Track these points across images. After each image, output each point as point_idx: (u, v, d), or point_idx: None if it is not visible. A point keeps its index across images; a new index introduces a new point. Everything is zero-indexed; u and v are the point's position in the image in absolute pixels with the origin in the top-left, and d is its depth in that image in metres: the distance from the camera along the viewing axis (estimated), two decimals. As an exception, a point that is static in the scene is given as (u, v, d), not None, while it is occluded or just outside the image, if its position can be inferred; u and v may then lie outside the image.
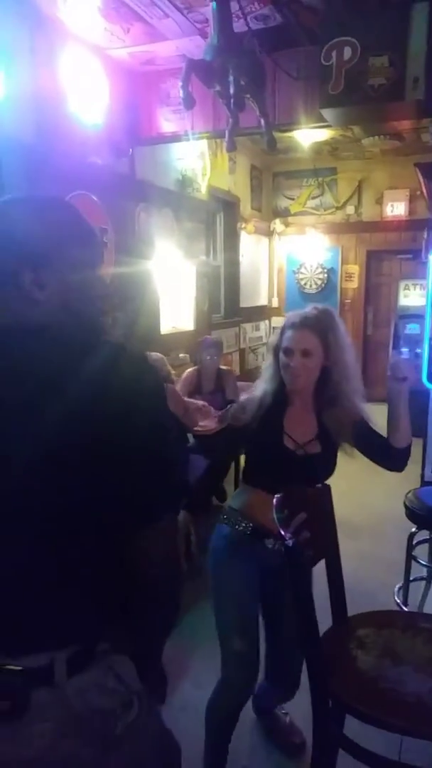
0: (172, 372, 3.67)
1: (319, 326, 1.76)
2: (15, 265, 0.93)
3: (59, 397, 0.85)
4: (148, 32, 3.73)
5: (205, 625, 1.91)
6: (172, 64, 4.08)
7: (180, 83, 2.92)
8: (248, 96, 3.20)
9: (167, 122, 4.43)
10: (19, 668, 0.87)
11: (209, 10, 2.91)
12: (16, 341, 0.91)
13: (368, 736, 1.44)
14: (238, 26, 3.31)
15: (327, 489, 1.67)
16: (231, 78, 2.86)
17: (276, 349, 1.80)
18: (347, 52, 3.37)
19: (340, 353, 1.77)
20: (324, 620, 1.66)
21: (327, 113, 3.62)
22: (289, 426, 1.77)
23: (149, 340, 4.56)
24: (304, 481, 1.71)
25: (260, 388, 1.83)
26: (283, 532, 1.39)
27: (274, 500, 1.48)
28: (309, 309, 1.82)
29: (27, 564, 0.87)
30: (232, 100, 2.91)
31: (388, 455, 1.76)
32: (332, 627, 1.63)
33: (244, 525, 1.74)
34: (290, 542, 1.34)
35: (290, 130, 4.80)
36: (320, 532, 1.59)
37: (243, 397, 1.93)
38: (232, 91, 2.87)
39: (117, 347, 0.96)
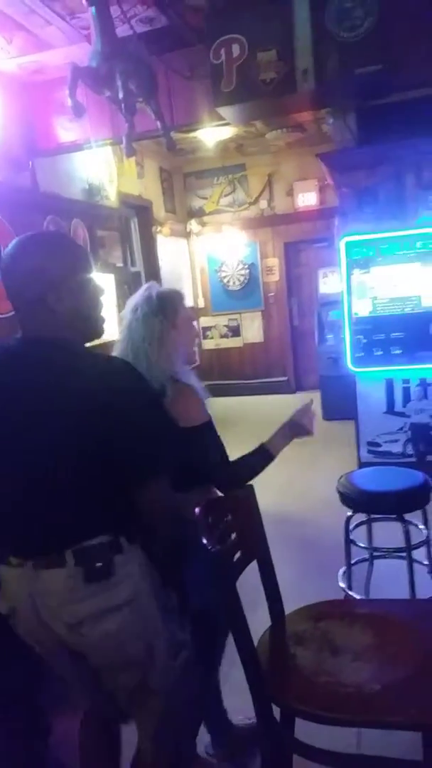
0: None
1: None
2: (42, 291, 1.30)
3: (75, 390, 1.27)
4: (32, 41, 3.63)
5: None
6: (63, 72, 3.97)
7: (67, 92, 2.85)
8: (140, 100, 3.16)
9: (66, 131, 4.34)
10: (105, 541, 1.30)
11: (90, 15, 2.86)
12: (44, 350, 1.32)
13: (325, 731, 1.43)
14: (124, 30, 3.27)
15: (250, 490, 1.66)
16: (119, 83, 2.82)
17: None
18: (236, 49, 3.38)
19: None
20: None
21: (224, 111, 3.62)
22: None
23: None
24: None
25: None
26: (205, 541, 1.36)
27: (197, 510, 1.45)
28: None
29: (85, 488, 1.30)
30: (122, 105, 2.87)
31: None
32: (271, 626, 1.62)
33: None
34: (214, 550, 1.31)
35: (191, 131, 4.80)
36: (248, 534, 1.57)
37: None
38: (121, 96, 2.83)
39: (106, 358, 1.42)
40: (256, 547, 1.60)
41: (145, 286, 1.86)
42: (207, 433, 1.72)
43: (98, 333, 1.43)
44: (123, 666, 1.36)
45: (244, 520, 1.56)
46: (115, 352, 1.77)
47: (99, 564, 1.28)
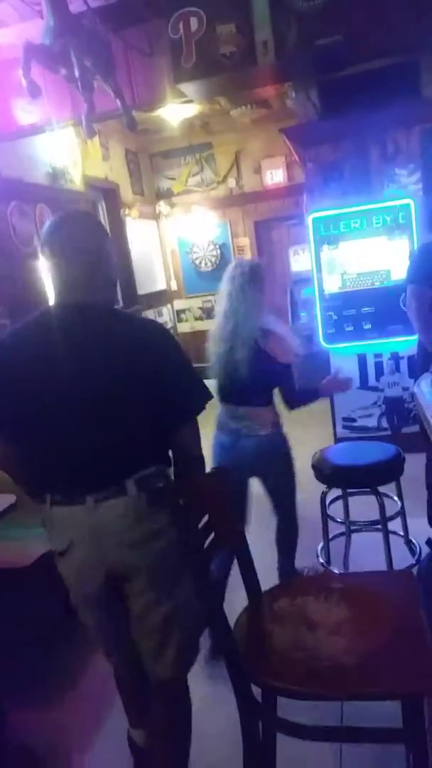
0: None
1: None
2: (95, 259, 1.53)
3: (120, 347, 1.49)
4: (-17, 20, 3.51)
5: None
6: (18, 52, 3.86)
7: (21, 71, 2.76)
8: (98, 77, 3.08)
9: (25, 113, 4.21)
10: (158, 469, 1.54)
11: (40, -10, 2.77)
12: (97, 313, 1.53)
13: (309, 707, 1.44)
14: (78, 6, 3.17)
15: (223, 471, 1.65)
16: (74, 60, 2.74)
17: None
18: (194, 23, 3.30)
19: None
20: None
21: (185, 87, 3.55)
22: None
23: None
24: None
25: None
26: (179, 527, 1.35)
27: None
28: None
29: (135, 425, 1.52)
30: (79, 84, 2.79)
31: None
32: (248, 606, 1.62)
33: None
34: (187, 536, 1.30)
35: (153, 109, 4.70)
36: (221, 517, 1.56)
37: None
38: (77, 74, 2.75)
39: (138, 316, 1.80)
40: (230, 528, 1.59)
41: (234, 262, 2.60)
42: (290, 370, 2.44)
43: (116, 299, 1.70)
44: (165, 584, 1.55)
45: (216, 502, 1.55)
46: (217, 315, 2.48)
47: (159, 485, 1.51)
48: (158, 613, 1.57)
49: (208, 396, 1.59)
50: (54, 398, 1.47)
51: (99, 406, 1.47)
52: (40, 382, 1.47)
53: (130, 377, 1.47)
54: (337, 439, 4.43)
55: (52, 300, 1.57)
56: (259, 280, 2.44)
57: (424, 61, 3.91)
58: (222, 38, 3.29)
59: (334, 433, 4.54)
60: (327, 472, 2.58)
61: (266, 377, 2.39)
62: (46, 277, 4.77)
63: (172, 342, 1.57)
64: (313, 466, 2.66)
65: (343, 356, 4.35)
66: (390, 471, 2.55)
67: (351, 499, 3.01)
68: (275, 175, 7.25)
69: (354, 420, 4.47)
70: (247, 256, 7.74)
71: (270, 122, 6.57)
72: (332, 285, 4.23)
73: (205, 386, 1.58)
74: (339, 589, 1.62)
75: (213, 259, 7.77)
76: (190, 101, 4.03)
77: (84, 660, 2.55)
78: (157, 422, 1.51)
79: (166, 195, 7.74)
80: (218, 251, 7.73)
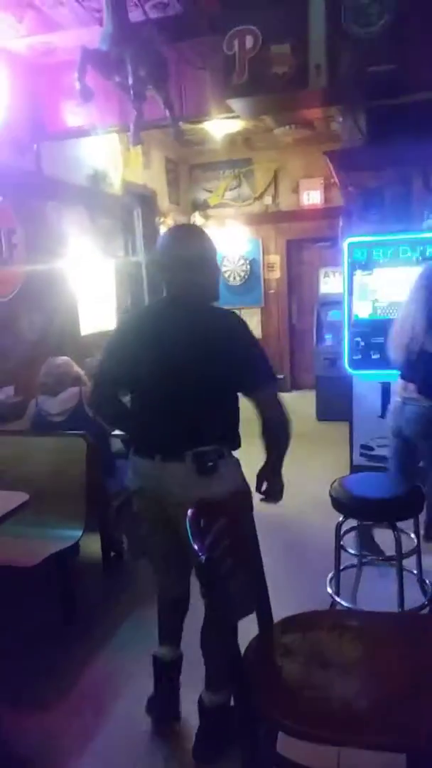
0: (82, 373, 3.56)
1: None
2: (193, 264, 1.96)
3: (209, 334, 1.85)
4: (43, 21, 3.56)
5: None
6: (73, 55, 3.89)
7: (76, 74, 2.78)
8: (150, 87, 3.11)
9: (73, 116, 4.26)
10: (214, 448, 1.86)
11: (102, -3, 2.80)
12: (186, 305, 1.90)
13: (306, 745, 1.39)
14: (137, 15, 3.21)
15: (247, 492, 1.62)
16: (129, 68, 2.76)
17: None
18: (249, 41, 3.32)
19: None
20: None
21: (234, 103, 3.56)
22: None
23: (66, 341, 4.42)
24: None
25: None
26: (197, 547, 1.32)
27: (189, 512, 1.41)
28: None
29: (205, 409, 1.87)
30: (131, 92, 2.81)
31: None
32: (258, 635, 1.58)
33: None
34: (203, 558, 1.27)
35: (199, 122, 4.72)
36: (241, 540, 1.54)
37: None
38: (130, 82, 2.77)
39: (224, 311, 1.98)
40: (248, 554, 1.56)
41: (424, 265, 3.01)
42: None
43: (215, 297, 1.99)
44: None
45: (237, 525, 1.52)
46: (401, 309, 2.94)
47: (210, 463, 1.83)
48: None
49: (273, 376, 1.93)
50: (147, 371, 1.87)
51: (175, 383, 1.82)
52: (142, 354, 1.88)
53: (204, 360, 1.80)
54: (353, 466, 4.38)
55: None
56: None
57: None
58: (276, 58, 3.30)
59: (351, 460, 4.48)
60: (345, 502, 2.53)
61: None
62: (77, 278, 4.80)
63: (243, 328, 1.90)
64: (331, 495, 2.61)
65: (366, 383, 4.31)
66: (411, 507, 2.50)
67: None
68: (312, 196, 7.25)
69: (372, 448, 4.40)
70: (276, 273, 7.76)
71: (311, 143, 6.58)
72: (362, 311, 4.19)
73: (270, 367, 1.92)
74: (354, 627, 1.58)
75: (242, 274, 7.77)
76: (237, 117, 4.04)
77: (82, 663, 2.52)
78: (229, 395, 1.87)
79: (201, 206, 7.77)
80: (248, 266, 7.73)
